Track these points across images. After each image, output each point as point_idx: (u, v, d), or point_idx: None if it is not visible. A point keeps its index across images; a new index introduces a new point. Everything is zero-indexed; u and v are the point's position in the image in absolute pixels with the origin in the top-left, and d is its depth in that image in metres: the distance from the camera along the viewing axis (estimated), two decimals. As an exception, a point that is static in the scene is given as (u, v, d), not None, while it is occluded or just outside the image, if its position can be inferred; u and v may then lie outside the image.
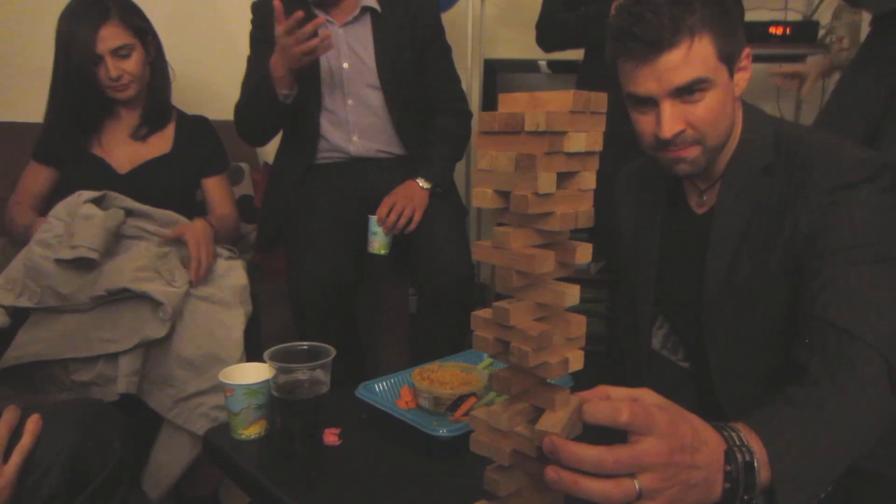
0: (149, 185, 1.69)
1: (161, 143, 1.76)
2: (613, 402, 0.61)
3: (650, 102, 0.95)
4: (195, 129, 1.81)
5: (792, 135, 0.99)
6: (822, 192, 0.91)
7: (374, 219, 1.77)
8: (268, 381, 0.99)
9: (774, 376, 0.98)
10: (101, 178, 1.64)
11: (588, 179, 0.61)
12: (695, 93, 0.93)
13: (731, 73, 0.96)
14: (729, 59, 0.95)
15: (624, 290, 1.29)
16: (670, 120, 0.94)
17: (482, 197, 0.61)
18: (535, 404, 0.65)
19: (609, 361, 1.79)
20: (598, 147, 0.60)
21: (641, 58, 0.93)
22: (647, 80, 0.93)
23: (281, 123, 1.88)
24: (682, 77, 0.92)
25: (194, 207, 1.80)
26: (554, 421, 0.61)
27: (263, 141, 1.96)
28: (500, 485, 0.64)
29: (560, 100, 0.56)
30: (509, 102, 0.59)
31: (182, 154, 1.76)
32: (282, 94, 1.70)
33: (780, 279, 0.95)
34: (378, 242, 1.79)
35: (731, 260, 0.99)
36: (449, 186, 1.91)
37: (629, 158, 1.24)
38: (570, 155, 0.58)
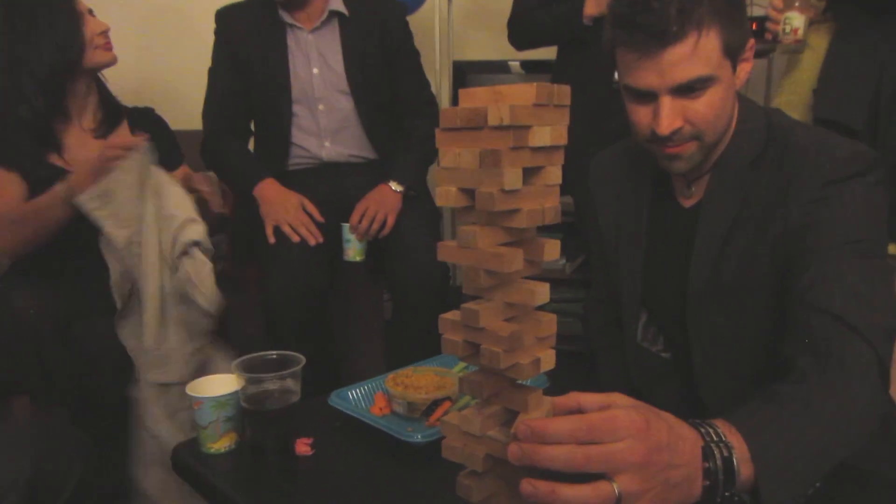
0: None
1: (119, 137, 1.68)
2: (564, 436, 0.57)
3: (649, 95, 0.91)
4: (148, 123, 1.74)
5: (783, 126, 0.97)
6: (813, 187, 0.89)
7: (346, 226, 1.75)
8: (236, 392, 0.97)
9: (758, 373, 0.97)
10: None
11: (554, 175, 0.59)
12: (696, 90, 0.89)
13: (735, 67, 0.93)
14: (734, 53, 0.91)
15: (598, 284, 1.27)
16: (669, 116, 0.90)
17: (446, 196, 0.59)
18: (508, 407, 0.63)
19: (585, 362, 1.78)
20: (563, 141, 0.59)
21: (644, 50, 0.88)
22: (648, 74, 0.89)
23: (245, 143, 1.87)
24: (686, 74, 0.88)
25: None
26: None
27: None
28: (473, 491, 0.63)
29: (523, 93, 0.55)
30: (470, 97, 0.57)
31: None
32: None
33: (768, 274, 0.93)
34: (353, 250, 1.77)
35: (718, 254, 0.97)
36: (422, 190, 1.90)
37: None
38: (536, 150, 0.57)
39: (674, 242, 1.05)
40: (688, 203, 1.04)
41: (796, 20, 1.60)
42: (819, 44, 1.65)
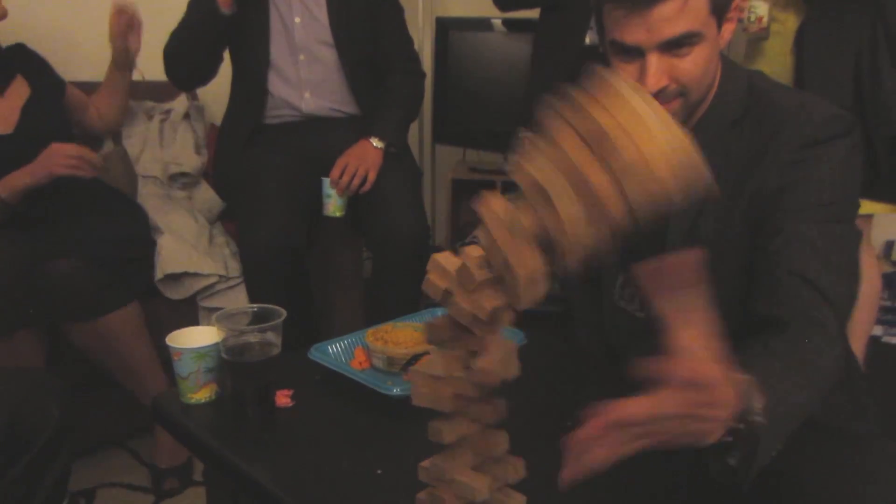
0: (39, 133, 1.62)
1: (18, 87, 1.67)
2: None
3: (635, 52, 0.91)
4: (29, 60, 1.73)
5: (763, 89, 0.98)
6: (791, 149, 0.91)
7: (327, 181, 1.75)
8: (217, 344, 0.97)
9: (731, 330, 0.99)
10: None
11: None
12: (683, 46, 0.90)
13: (720, 26, 0.93)
14: (720, 11, 0.92)
15: None
16: (656, 73, 0.90)
17: None
18: (470, 349, 0.64)
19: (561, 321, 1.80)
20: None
21: (633, 6, 0.88)
22: (636, 30, 0.89)
23: (214, 59, 1.80)
24: (675, 29, 0.88)
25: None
26: (488, 361, 0.61)
27: (193, 78, 1.87)
28: (444, 433, 0.64)
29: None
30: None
31: (41, 87, 1.71)
32: (222, 12, 1.64)
33: (743, 233, 0.95)
34: (332, 205, 1.76)
35: (696, 213, 0.99)
36: (403, 147, 1.89)
37: None
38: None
39: None
40: None
41: (760, 8, 1.61)
42: (786, 27, 1.66)
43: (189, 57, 1.77)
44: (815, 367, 0.79)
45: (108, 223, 1.65)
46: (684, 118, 0.97)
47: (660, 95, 0.92)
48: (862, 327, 1.79)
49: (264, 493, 0.84)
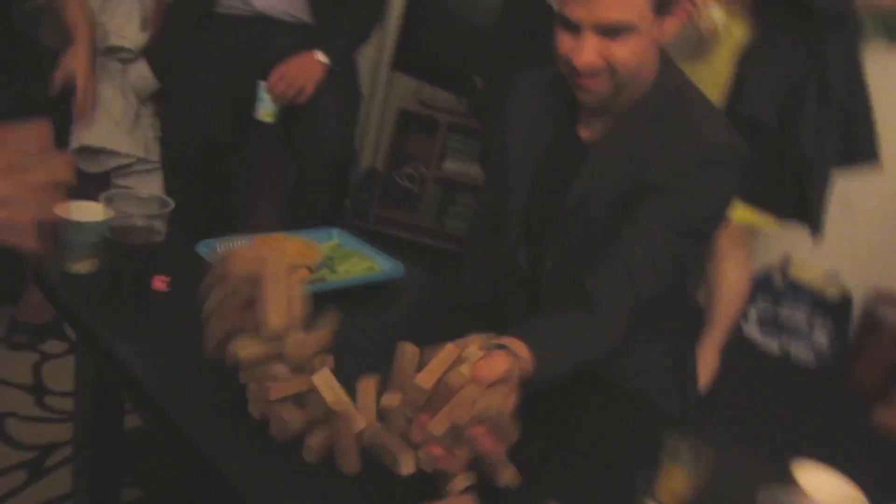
0: None
1: None
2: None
3: (575, 27, 0.96)
4: None
5: (688, 96, 1.05)
6: (682, 161, 0.99)
7: (263, 85, 1.75)
8: (103, 221, 1.01)
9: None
10: None
11: None
12: (620, 33, 0.94)
13: (663, 21, 0.98)
14: (663, 7, 0.96)
15: (488, 193, 1.35)
16: (590, 53, 0.96)
17: None
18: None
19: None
20: None
21: None
22: (578, 8, 0.94)
23: None
24: (610, 15, 0.93)
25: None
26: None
27: None
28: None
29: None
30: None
31: None
32: None
33: (619, 216, 1.04)
34: (265, 110, 1.77)
35: (591, 189, 1.07)
36: (347, 67, 1.89)
37: None
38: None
39: (561, 167, 1.13)
40: (585, 134, 1.11)
41: (717, 15, 1.67)
42: (734, 36, 1.73)
43: None
44: (595, 346, 0.98)
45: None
46: (609, 99, 1.02)
47: (590, 72, 0.99)
48: (728, 316, 1.99)
49: (125, 369, 0.90)
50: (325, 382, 0.75)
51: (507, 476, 0.76)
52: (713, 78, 1.74)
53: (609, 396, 1.05)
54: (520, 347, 0.82)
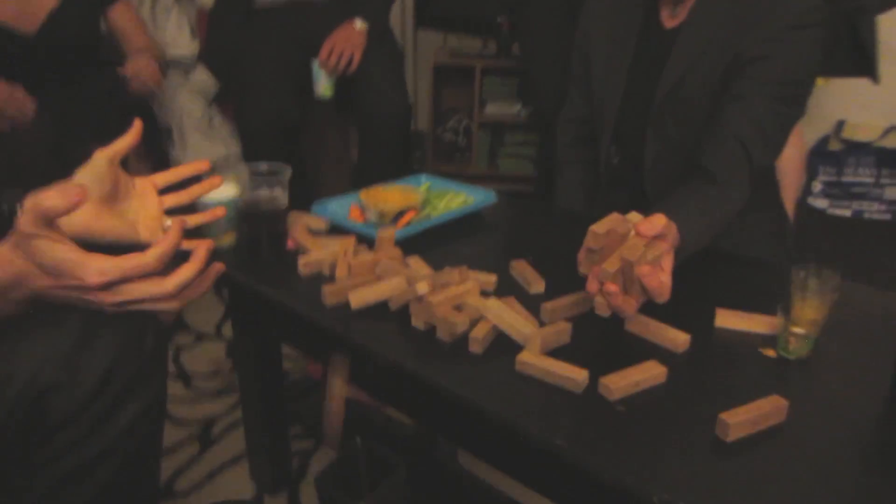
0: (63, 39, 1.59)
1: None
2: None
3: None
4: None
5: None
6: (773, 28, 1.04)
7: (316, 62, 1.86)
8: (236, 198, 1.14)
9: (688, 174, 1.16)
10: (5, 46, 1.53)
11: None
12: None
13: None
14: None
15: (573, 104, 1.40)
16: None
17: None
18: None
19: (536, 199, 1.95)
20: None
21: None
22: None
23: None
24: None
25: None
26: None
27: None
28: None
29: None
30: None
31: None
32: None
33: (717, 92, 1.10)
34: (323, 85, 1.89)
35: (684, 72, 1.13)
36: (384, 28, 1.99)
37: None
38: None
39: (651, 59, 1.19)
40: (670, 24, 1.17)
41: None
42: None
43: None
44: (724, 212, 1.04)
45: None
46: None
47: None
48: (792, 189, 2.04)
49: (282, 314, 1.04)
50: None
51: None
52: None
53: (730, 261, 1.12)
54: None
